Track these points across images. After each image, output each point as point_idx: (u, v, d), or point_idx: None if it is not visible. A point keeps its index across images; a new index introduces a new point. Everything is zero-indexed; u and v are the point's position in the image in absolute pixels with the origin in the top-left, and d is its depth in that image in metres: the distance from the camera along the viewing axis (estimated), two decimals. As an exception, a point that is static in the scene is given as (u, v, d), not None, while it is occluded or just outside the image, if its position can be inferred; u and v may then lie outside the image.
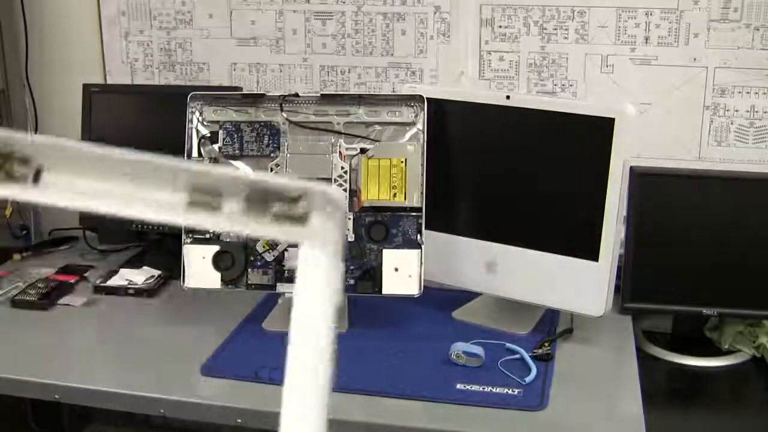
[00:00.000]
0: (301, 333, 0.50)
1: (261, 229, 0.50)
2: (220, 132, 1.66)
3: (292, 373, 0.50)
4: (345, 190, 1.63)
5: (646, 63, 1.86)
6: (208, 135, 1.66)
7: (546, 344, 1.56)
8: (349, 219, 1.63)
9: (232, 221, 0.50)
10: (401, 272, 1.60)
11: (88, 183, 0.49)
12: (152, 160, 0.48)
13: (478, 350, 1.51)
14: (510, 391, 1.42)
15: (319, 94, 1.66)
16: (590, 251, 1.56)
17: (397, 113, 1.64)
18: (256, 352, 1.56)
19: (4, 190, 0.48)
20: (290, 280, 1.64)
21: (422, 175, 1.62)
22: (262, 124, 1.66)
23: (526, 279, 1.64)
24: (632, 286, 1.66)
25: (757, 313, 1.65)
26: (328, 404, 0.50)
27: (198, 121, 1.67)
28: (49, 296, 1.80)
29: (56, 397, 1.48)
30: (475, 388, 1.43)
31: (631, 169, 1.57)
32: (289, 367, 0.50)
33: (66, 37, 2.18)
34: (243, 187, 0.49)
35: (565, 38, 1.89)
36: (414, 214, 1.62)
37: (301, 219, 0.50)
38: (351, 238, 1.63)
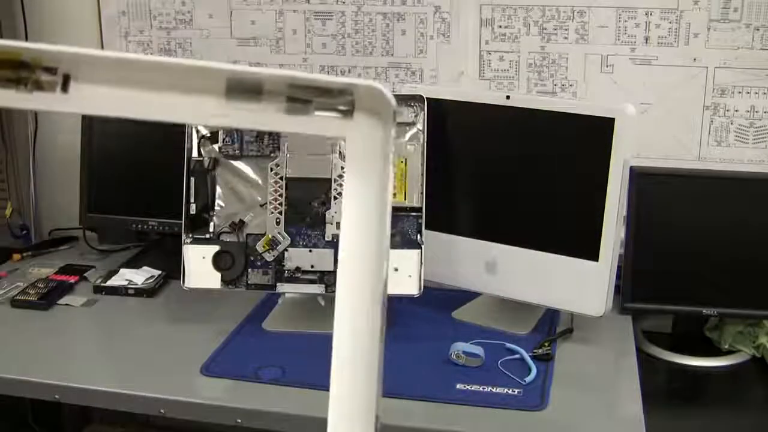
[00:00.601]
0: (349, 247, 0.49)
1: (303, 125, 0.48)
2: (220, 132, 1.66)
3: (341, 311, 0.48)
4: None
5: (646, 63, 1.86)
6: (208, 135, 1.66)
7: (546, 344, 1.56)
8: (349, 219, 1.63)
9: (273, 119, 0.48)
10: (401, 272, 1.60)
11: (119, 90, 0.48)
12: (185, 63, 0.47)
13: (478, 350, 1.51)
14: (510, 391, 1.42)
15: (319, 94, 1.66)
16: (590, 251, 1.56)
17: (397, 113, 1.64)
18: (256, 352, 1.57)
19: (34, 101, 0.47)
20: (290, 280, 1.64)
21: (422, 175, 1.62)
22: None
23: (526, 279, 1.64)
24: (632, 286, 1.66)
25: (757, 313, 1.65)
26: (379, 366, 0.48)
27: (198, 121, 1.67)
28: (49, 296, 1.80)
29: (56, 397, 1.48)
30: (475, 388, 1.43)
31: (631, 169, 1.57)
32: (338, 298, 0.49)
33: (66, 37, 2.18)
34: (284, 84, 0.48)
35: (565, 38, 1.89)
36: (414, 214, 1.62)
37: (345, 113, 0.48)
38: (351, 238, 1.63)
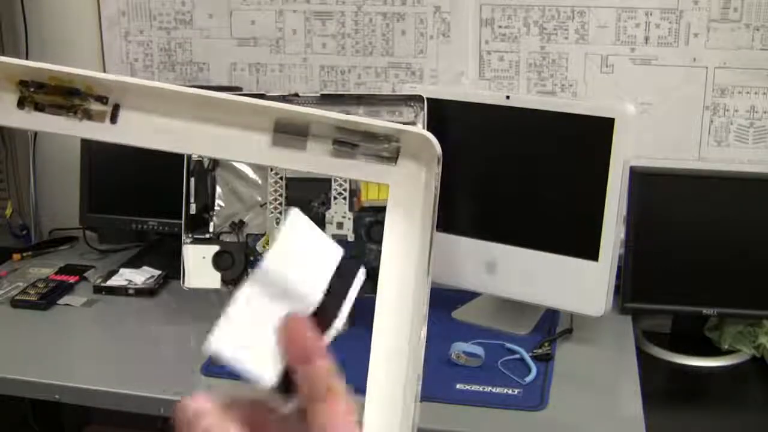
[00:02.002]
0: (387, 291, 0.48)
1: (347, 168, 0.48)
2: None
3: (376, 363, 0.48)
4: (345, 190, 1.63)
5: (646, 63, 1.86)
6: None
7: (546, 344, 1.56)
8: (349, 219, 1.63)
9: (318, 161, 0.48)
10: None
11: (167, 122, 0.47)
12: (234, 99, 0.47)
13: (478, 350, 1.51)
14: (510, 391, 1.42)
15: (319, 94, 1.66)
16: (590, 251, 1.56)
17: (397, 113, 1.64)
18: (256, 352, 1.56)
19: (82, 129, 0.47)
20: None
21: (422, 175, 1.62)
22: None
23: (526, 279, 1.64)
24: (632, 286, 1.66)
25: (757, 313, 1.65)
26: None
27: (198, 121, 1.67)
28: (49, 296, 1.80)
29: (56, 397, 1.48)
30: (475, 388, 1.43)
31: (631, 169, 1.57)
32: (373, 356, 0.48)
33: (66, 37, 2.18)
34: (331, 127, 0.48)
35: (565, 38, 1.89)
36: (414, 214, 1.62)
37: (390, 159, 0.48)
38: (351, 238, 1.63)
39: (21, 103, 0.47)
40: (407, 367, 0.48)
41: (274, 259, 0.42)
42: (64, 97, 0.47)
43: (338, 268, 0.45)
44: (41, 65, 0.47)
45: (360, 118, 0.47)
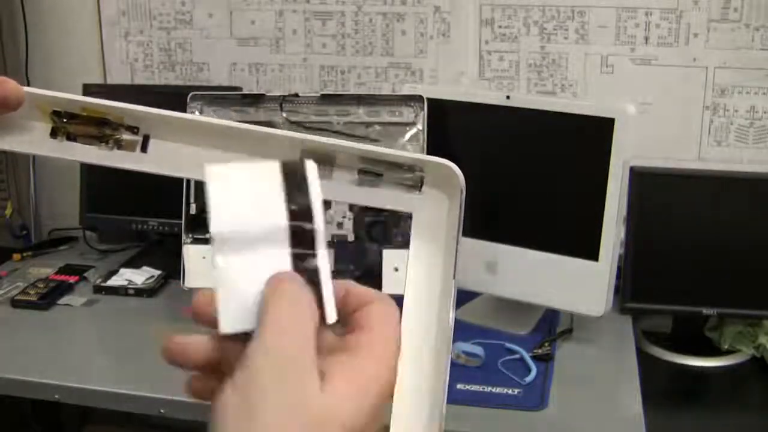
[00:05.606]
0: (412, 318, 0.48)
1: (371, 197, 0.49)
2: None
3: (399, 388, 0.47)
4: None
5: (646, 63, 1.86)
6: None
7: (546, 344, 1.56)
8: (349, 219, 1.63)
9: (343, 190, 0.49)
10: (401, 272, 1.60)
11: (196, 151, 0.48)
12: (262, 130, 0.48)
13: (478, 350, 1.51)
14: (510, 391, 1.42)
15: (319, 94, 1.66)
16: (590, 251, 1.56)
17: (397, 113, 1.64)
18: (256, 352, 1.56)
19: (113, 158, 0.48)
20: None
21: (422, 175, 1.61)
22: (262, 124, 1.66)
23: (526, 279, 1.64)
24: (632, 286, 1.66)
25: (757, 313, 1.65)
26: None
27: (198, 121, 1.66)
28: (49, 296, 1.80)
29: (56, 397, 1.48)
30: (475, 388, 1.43)
31: (631, 169, 1.57)
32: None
33: (66, 37, 2.18)
34: (356, 157, 0.49)
35: (565, 38, 1.89)
36: (414, 214, 1.62)
37: (413, 188, 0.49)
38: (351, 238, 1.63)
39: (54, 133, 0.49)
40: (430, 407, 0.48)
41: (217, 220, 0.42)
42: (96, 127, 0.48)
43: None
44: (73, 97, 0.48)
45: (384, 149, 0.48)
